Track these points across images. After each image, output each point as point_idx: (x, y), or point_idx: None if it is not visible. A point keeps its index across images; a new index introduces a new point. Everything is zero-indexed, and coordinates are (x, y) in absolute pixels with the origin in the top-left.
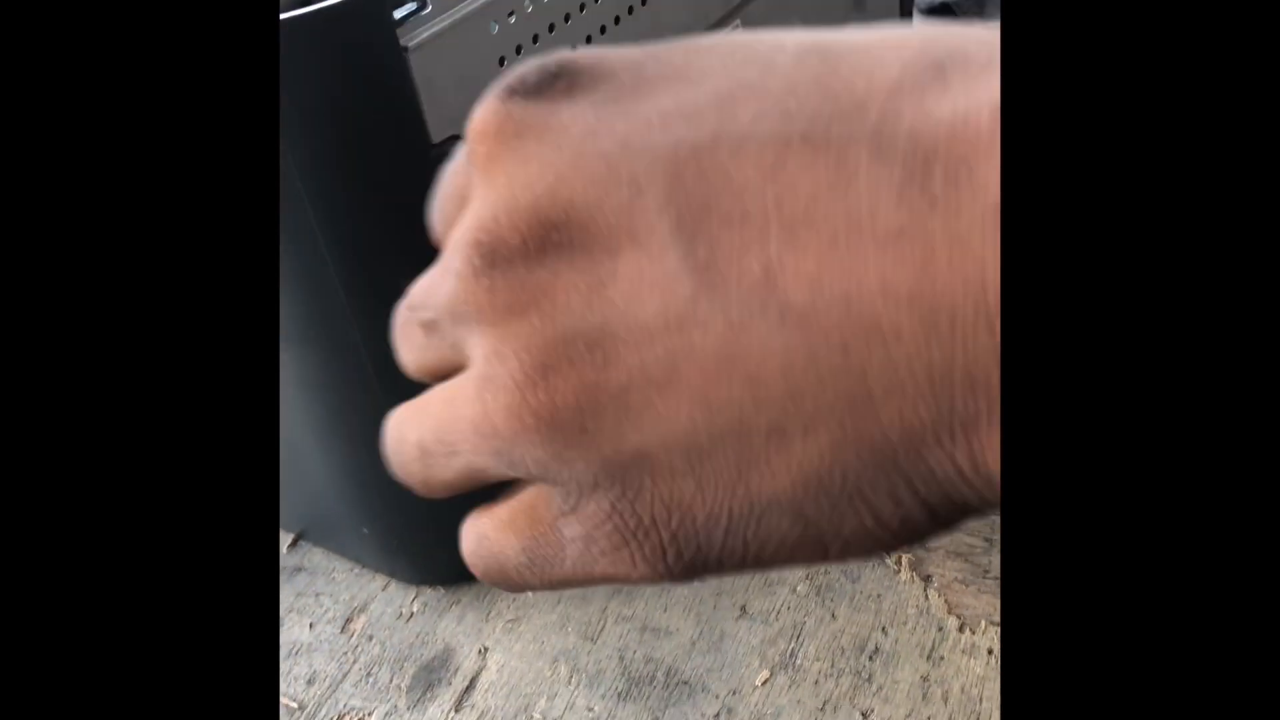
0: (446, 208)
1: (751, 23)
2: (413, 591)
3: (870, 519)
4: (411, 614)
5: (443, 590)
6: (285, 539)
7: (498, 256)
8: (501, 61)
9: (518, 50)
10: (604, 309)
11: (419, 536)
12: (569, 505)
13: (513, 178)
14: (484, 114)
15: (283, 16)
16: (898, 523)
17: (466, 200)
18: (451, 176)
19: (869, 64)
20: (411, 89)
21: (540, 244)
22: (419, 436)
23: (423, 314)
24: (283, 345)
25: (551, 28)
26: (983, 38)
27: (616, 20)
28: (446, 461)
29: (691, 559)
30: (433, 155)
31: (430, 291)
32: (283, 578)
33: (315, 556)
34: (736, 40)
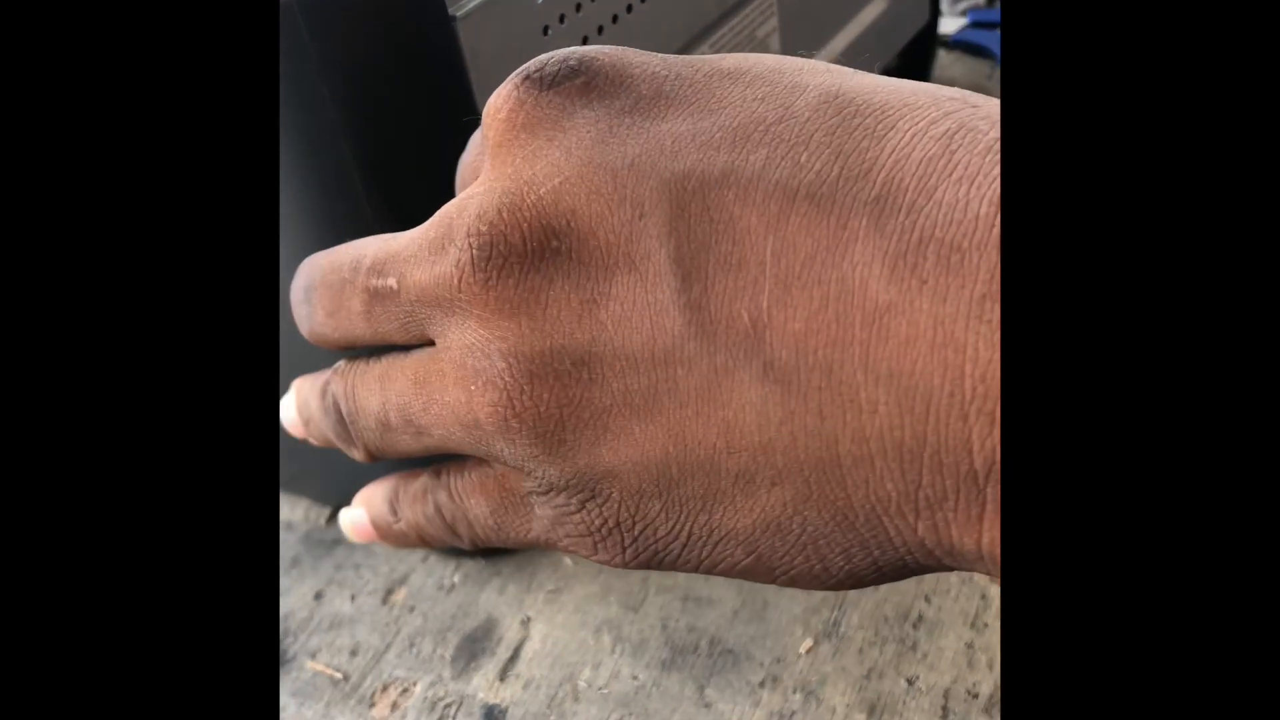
0: (464, 176)
1: (788, 5)
2: (452, 564)
3: (819, 566)
4: (453, 585)
5: (483, 562)
6: (323, 513)
7: (496, 252)
8: (545, 30)
9: (561, 19)
10: (594, 329)
11: None
12: (539, 491)
13: (519, 172)
14: (500, 98)
15: None
16: (844, 574)
17: (479, 176)
18: (472, 148)
19: (882, 127)
20: (459, 58)
21: (539, 248)
22: (379, 409)
23: (381, 281)
24: None
25: None
26: (993, 115)
27: None
28: (410, 438)
29: (648, 560)
30: (478, 125)
31: (402, 262)
32: (321, 551)
33: None
34: (758, 70)
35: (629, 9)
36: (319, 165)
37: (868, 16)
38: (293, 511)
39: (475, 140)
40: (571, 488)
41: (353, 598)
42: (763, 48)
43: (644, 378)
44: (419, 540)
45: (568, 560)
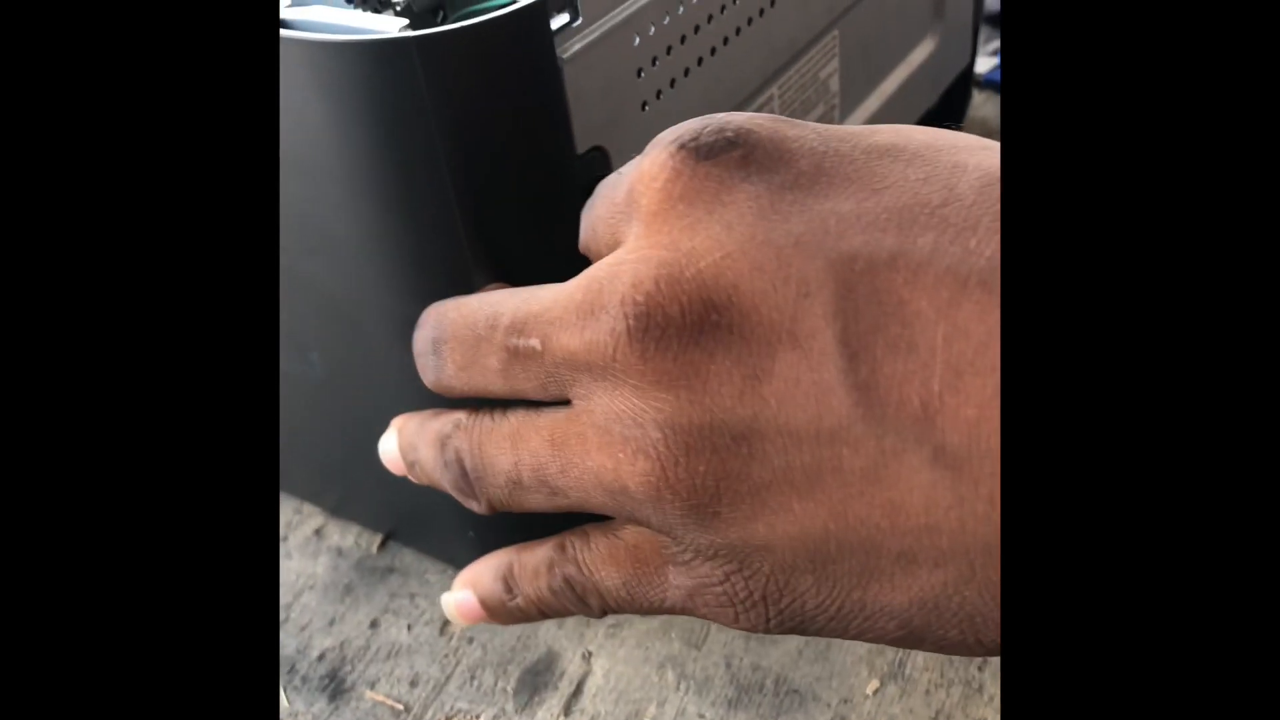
0: (598, 230)
1: (849, 26)
2: None
3: (973, 639)
4: None
5: None
6: (374, 539)
7: (653, 323)
8: (639, 73)
9: (653, 61)
10: (756, 405)
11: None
12: (680, 560)
13: (678, 244)
14: (656, 165)
15: (451, 27)
16: (995, 645)
17: (618, 238)
18: (608, 203)
19: None
20: (563, 100)
21: (699, 322)
22: (510, 468)
23: (522, 342)
24: (407, 349)
25: (683, 39)
26: None
27: (738, 31)
28: (543, 498)
29: (791, 628)
30: (577, 166)
31: (546, 324)
32: (374, 579)
33: (406, 557)
34: (915, 147)
35: (713, 51)
36: (421, 200)
37: (917, 58)
38: (343, 538)
39: (607, 195)
40: (720, 558)
41: (409, 627)
42: (824, 88)
43: (807, 455)
44: (539, 616)
45: None
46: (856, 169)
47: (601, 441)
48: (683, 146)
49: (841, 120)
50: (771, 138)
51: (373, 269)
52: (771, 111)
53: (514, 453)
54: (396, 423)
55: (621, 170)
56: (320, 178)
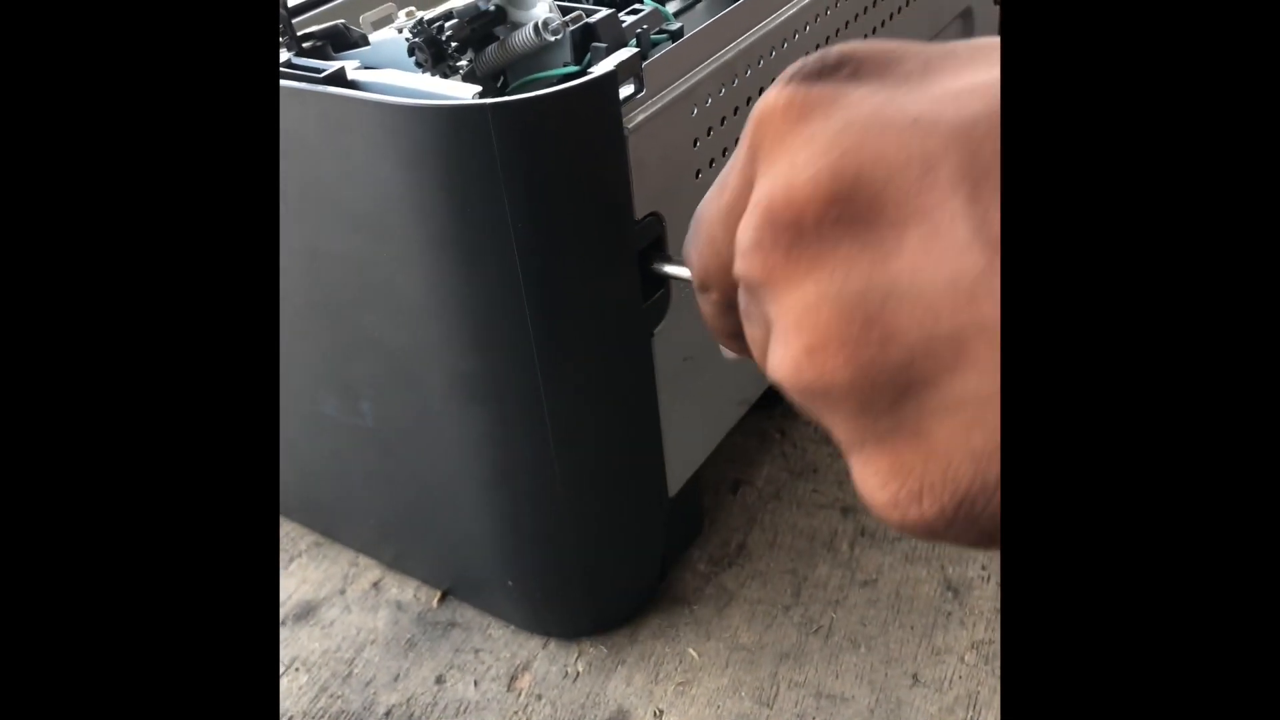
0: (724, 209)
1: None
2: (574, 650)
3: None
4: (577, 673)
5: (605, 650)
6: (433, 594)
7: (783, 227)
8: (695, 143)
9: (708, 131)
10: (887, 282)
11: (565, 591)
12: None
13: (796, 154)
14: (771, 98)
15: (526, 96)
16: None
17: (741, 203)
18: (724, 191)
19: None
20: (626, 168)
21: (823, 217)
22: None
23: (712, 295)
24: (464, 403)
25: (736, 110)
26: None
27: None
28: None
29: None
30: (634, 230)
31: (709, 271)
32: (436, 634)
33: (467, 612)
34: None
35: None
36: (486, 258)
37: None
38: (402, 592)
39: (724, 183)
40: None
41: (476, 683)
42: None
43: (946, 323)
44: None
45: (692, 651)
46: (963, 59)
47: (774, 342)
48: (793, 76)
49: None
50: (876, 51)
51: (434, 323)
52: None
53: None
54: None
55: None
56: (387, 234)
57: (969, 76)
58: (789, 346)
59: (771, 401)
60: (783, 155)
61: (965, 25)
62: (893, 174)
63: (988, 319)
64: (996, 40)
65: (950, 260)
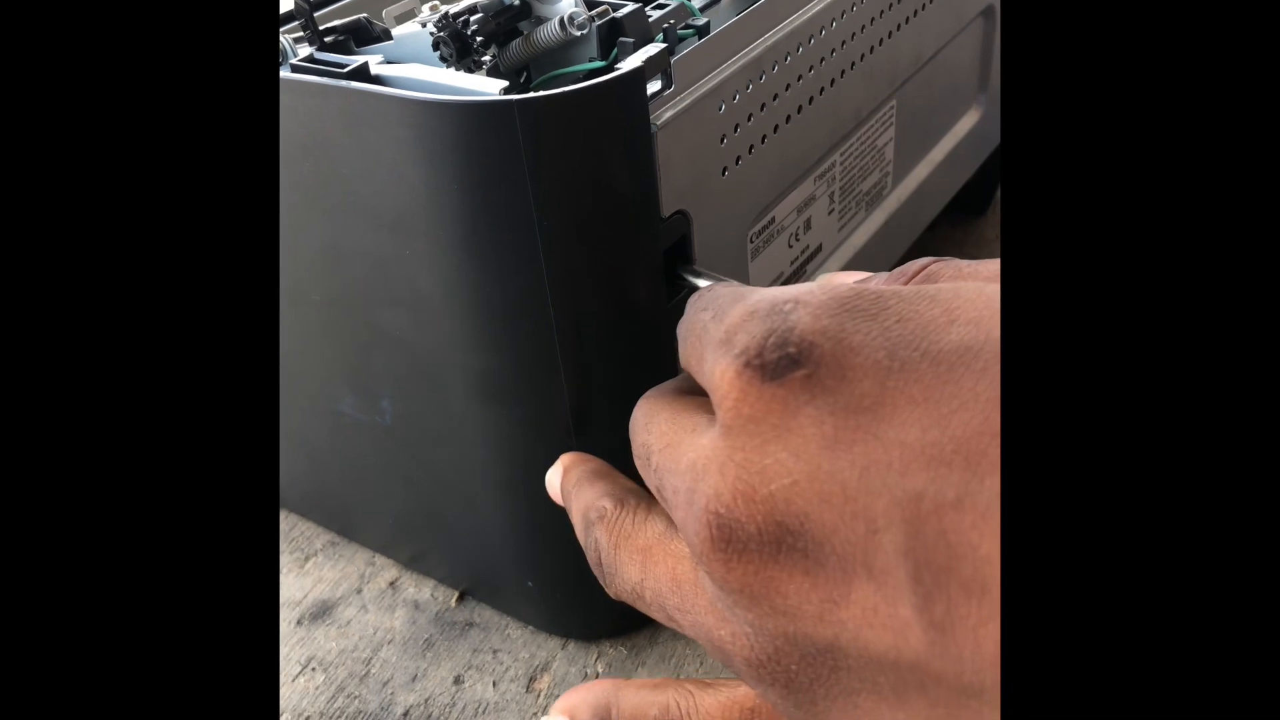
0: (689, 352)
1: (905, 96)
2: (594, 651)
3: None
4: (597, 674)
5: (625, 651)
6: (451, 594)
7: (734, 536)
8: (722, 139)
9: (735, 128)
10: (835, 627)
11: (586, 592)
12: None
13: (749, 461)
14: (725, 381)
15: (553, 92)
16: None
17: (702, 366)
18: (696, 322)
19: None
20: (653, 165)
21: (775, 542)
22: (636, 582)
23: (660, 491)
24: (485, 402)
25: (762, 107)
26: None
27: (810, 100)
28: (662, 618)
29: None
30: (660, 230)
31: (670, 490)
32: (454, 634)
33: (485, 612)
34: (989, 354)
35: (787, 119)
36: (509, 257)
37: (963, 128)
38: (420, 591)
39: (701, 316)
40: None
41: (494, 684)
42: (881, 156)
43: (891, 676)
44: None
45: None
46: (923, 389)
47: (710, 607)
48: (748, 365)
49: (894, 186)
50: (834, 354)
51: (456, 321)
52: (831, 178)
53: (642, 570)
54: (563, 461)
55: (711, 304)
56: (410, 232)
57: (922, 425)
58: (738, 633)
59: None
60: (736, 446)
61: (988, 23)
62: (840, 525)
63: (928, 690)
64: (974, 339)
65: (893, 630)
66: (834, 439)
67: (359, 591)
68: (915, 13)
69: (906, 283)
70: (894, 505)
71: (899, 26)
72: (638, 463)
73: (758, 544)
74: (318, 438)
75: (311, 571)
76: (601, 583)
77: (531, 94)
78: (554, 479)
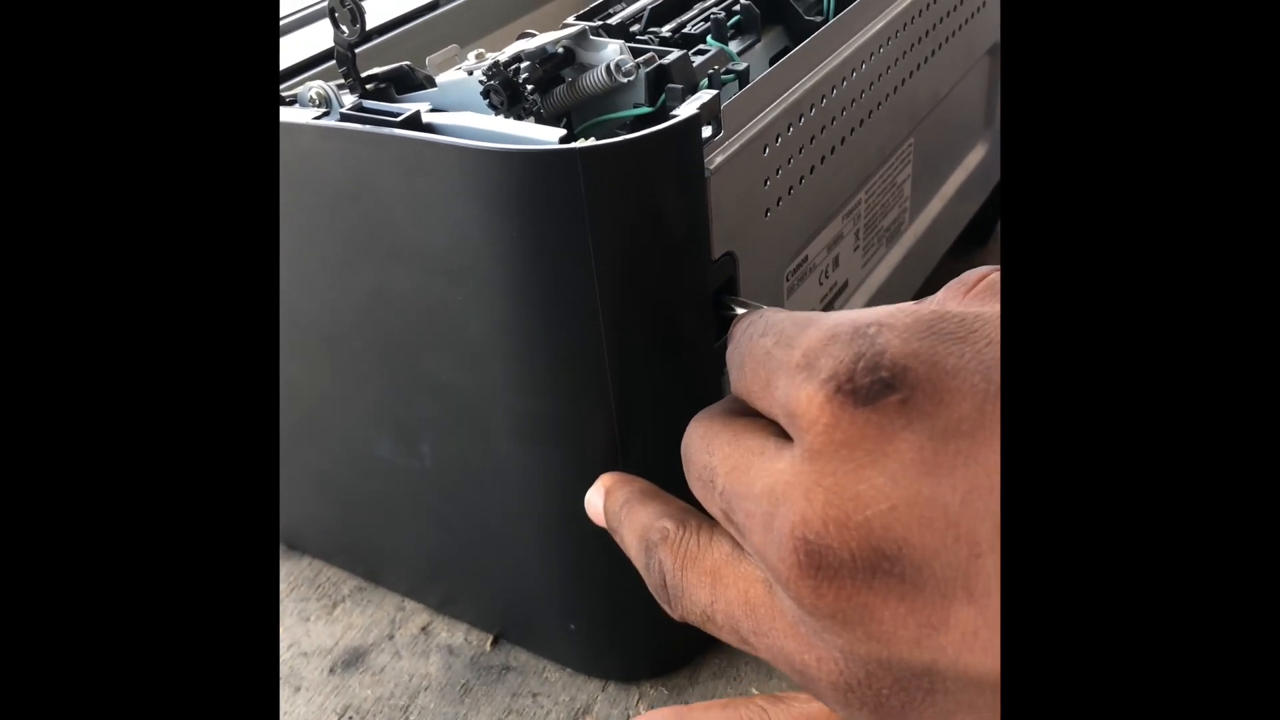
0: (749, 378)
1: (921, 134)
2: (635, 693)
3: None
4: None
5: (666, 692)
6: (485, 638)
7: (824, 562)
8: (766, 182)
9: (777, 170)
10: (934, 651)
11: (628, 633)
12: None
13: (842, 487)
14: (815, 406)
15: (613, 140)
16: None
17: (774, 412)
18: (757, 355)
19: None
20: (706, 210)
21: (870, 568)
22: (706, 604)
23: (732, 517)
24: (533, 446)
25: (801, 149)
26: None
27: (842, 141)
28: (734, 641)
29: None
30: (710, 271)
31: (744, 515)
32: (492, 678)
33: (521, 655)
34: None
35: (822, 160)
36: (565, 302)
37: (971, 161)
38: (453, 636)
39: (762, 342)
40: None
41: None
42: (900, 192)
43: (989, 698)
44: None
45: (754, 691)
46: None
47: (791, 631)
48: (839, 389)
49: (911, 221)
50: (929, 377)
51: (506, 365)
52: (857, 215)
53: (712, 593)
54: (605, 482)
55: (770, 330)
56: (460, 276)
57: None
58: (826, 657)
59: None
60: (825, 471)
61: (993, 61)
62: (941, 549)
63: None
64: None
65: (992, 657)
66: (934, 464)
67: (391, 637)
68: (933, 52)
69: (968, 293)
70: (997, 528)
71: (919, 66)
72: (696, 485)
73: (850, 570)
74: (349, 481)
75: (341, 618)
76: (665, 606)
77: (594, 142)
78: (595, 500)
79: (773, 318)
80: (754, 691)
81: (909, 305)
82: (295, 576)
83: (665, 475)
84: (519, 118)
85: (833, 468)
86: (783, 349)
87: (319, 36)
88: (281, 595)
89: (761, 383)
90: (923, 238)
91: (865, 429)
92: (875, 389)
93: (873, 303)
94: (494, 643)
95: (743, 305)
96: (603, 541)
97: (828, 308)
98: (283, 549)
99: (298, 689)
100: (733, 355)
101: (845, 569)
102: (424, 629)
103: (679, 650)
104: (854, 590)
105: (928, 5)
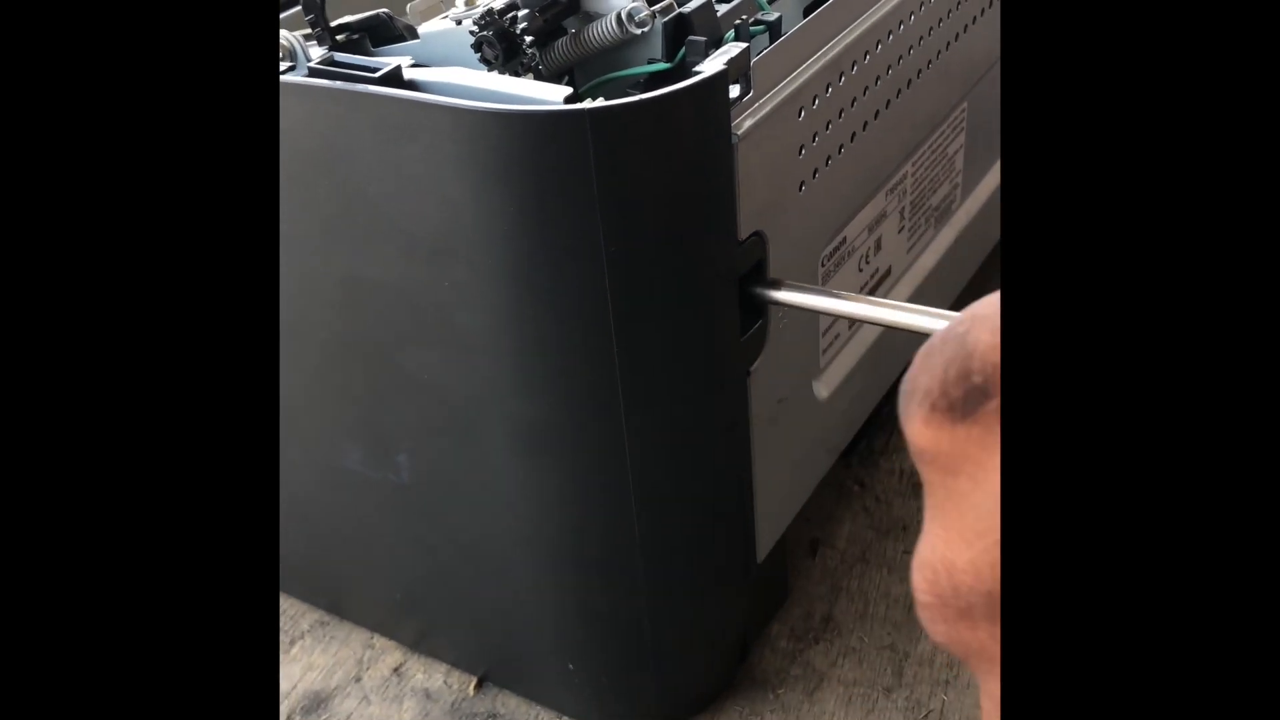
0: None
1: (977, 99)
2: None
3: None
4: None
5: None
6: (467, 679)
7: (946, 604)
8: (800, 150)
9: (813, 137)
10: None
11: (635, 675)
12: None
13: (950, 527)
14: (914, 434)
15: (629, 100)
16: None
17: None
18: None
19: None
20: (733, 181)
21: (988, 608)
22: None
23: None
24: (530, 455)
25: (840, 113)
26: None
27: (887, 104)
28: None
29: None
30: (736, 255)
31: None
32: None
33: (509, 700)
34: None
35: (865, 126)
36: (570, 287)
37: None
38: (430, 678)
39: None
40: None
41: None
42: (951, 165)
43: None
44: None
45: None
46: None
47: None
48: (934, 408)
49: (963, 200)
50: None
51: (499, 362)
52: (903, 191)
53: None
54: None
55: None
56: (448, 259)
57: None
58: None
59: (848, 449)
60: (937, 512)
61: None
62: None
63: None
64: None
65: None
66: None
67: (358, 680)
68: (991, 2)
69: None
70: None
71: (974, 20)
72: None
73: (968, 614)
74: (312, 497)
75: (299, 657)
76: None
77: (604, 102)
78: None
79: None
80: None
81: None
82: None
83: (679, 493)
84: (515, 74)
85: (940, 502)
86: (906, 384)
87: None
88: None
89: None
90: (977, 218)
91: (967, 447)
92: (971, 398)
93: (919, 292)
94: (478, 685)
95: (775, 288)
96: (611, 568)
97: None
98: None
99: None
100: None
101: (964, 614)
102: (396, 670)
103: (694, 694)
104: (974, 633)
105: None
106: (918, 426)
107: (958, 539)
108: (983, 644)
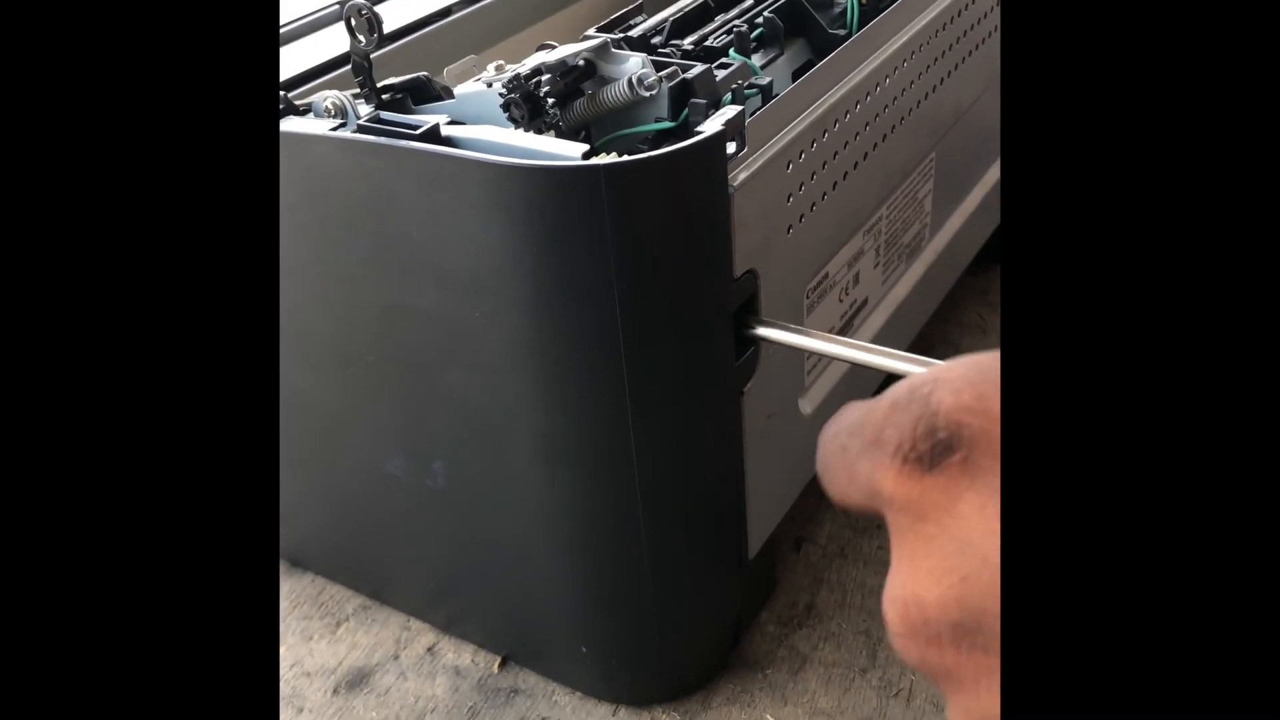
0: (841, 480)
1: (944, 149)
2: (646, 717)
3: None
4: None
5: (678, 717)
6: (492, 658)
7: (916, 633)
8: (789, 198)
9: (800, 186)
10: None
11: (640, 657)
12: None
13: (918, 566)
14: (886, 481)
15: (639, 157)
16: None
17: (857, 482)
18: (835, 454)
19: None
20: (729, 227)
21: (954, 636)
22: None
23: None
24: (550, 464)
25: (824, 164)
26: None
27: (865, 156)
28: None
29: None
30: (732, 290)
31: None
32: (500, 701)
33: (529, 677)
34: None
35: (845, 176)
36: (585, 318)
37: (993, 176)
38: (459, 657)
39: (836, 440)
40: None
41: None
42: (920, 208)
43: None
44: None
45: (769, 717)
46: None
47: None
48: (905, 459)
49: (931, 237)
50: (986, 428)
51: (523, 382)
52: (878, 231)
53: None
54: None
55: (842, 428)
56: (479, 291)
57: None
58: None
59: None
60: (904, 550)
61: None
62: None
63: None
64: None
65: None
66: (998, 522)
67: (396, 658)
68: (958, 65)
69: None
70: None
71: (943, 79)
72: None
73: (936, 635)
74: (358, 498)
75: (344, 637)
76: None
77: (618, 158)
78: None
79: (842, 414)
80: (769, 717)
81: (971, 356)
82: (298, 594)
83: (680, 497)
84: (539, 131)
85: (909, 542)
86: (855, 437)
87: (328, 42)
88: (284, 613)
89: (845, 479)
90: (943, 253)
91: (934, 495)
92: (938, 451)
93: (891, 321)
94: (502, 664)
95: (765, 326)
96: (620, 563)
97: (846, 325)
98: (286, 566)
99: (300, 710)
100: (819, 469)
101: (933, 642)
102: (430, 649)
103: (692, 674)
104: (941, 650)
105: (952, 19)
106: (892, 476)
107: (926, 577)
108: (948, 667)
